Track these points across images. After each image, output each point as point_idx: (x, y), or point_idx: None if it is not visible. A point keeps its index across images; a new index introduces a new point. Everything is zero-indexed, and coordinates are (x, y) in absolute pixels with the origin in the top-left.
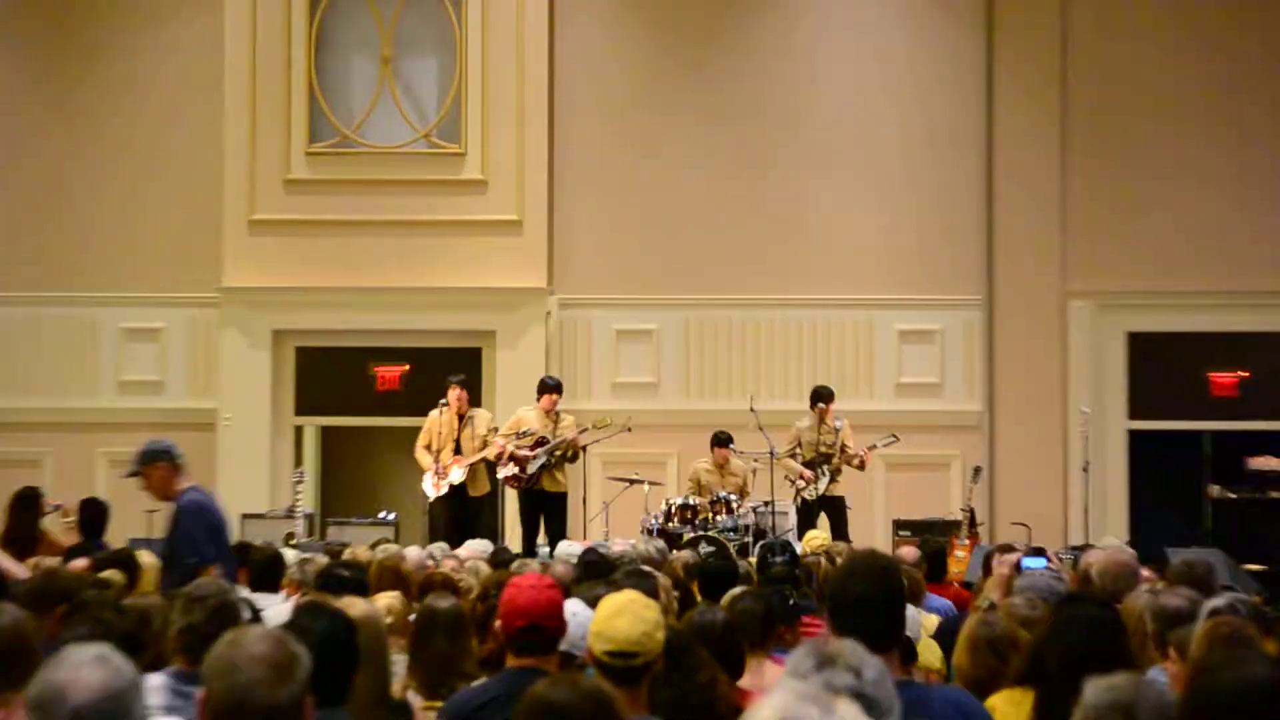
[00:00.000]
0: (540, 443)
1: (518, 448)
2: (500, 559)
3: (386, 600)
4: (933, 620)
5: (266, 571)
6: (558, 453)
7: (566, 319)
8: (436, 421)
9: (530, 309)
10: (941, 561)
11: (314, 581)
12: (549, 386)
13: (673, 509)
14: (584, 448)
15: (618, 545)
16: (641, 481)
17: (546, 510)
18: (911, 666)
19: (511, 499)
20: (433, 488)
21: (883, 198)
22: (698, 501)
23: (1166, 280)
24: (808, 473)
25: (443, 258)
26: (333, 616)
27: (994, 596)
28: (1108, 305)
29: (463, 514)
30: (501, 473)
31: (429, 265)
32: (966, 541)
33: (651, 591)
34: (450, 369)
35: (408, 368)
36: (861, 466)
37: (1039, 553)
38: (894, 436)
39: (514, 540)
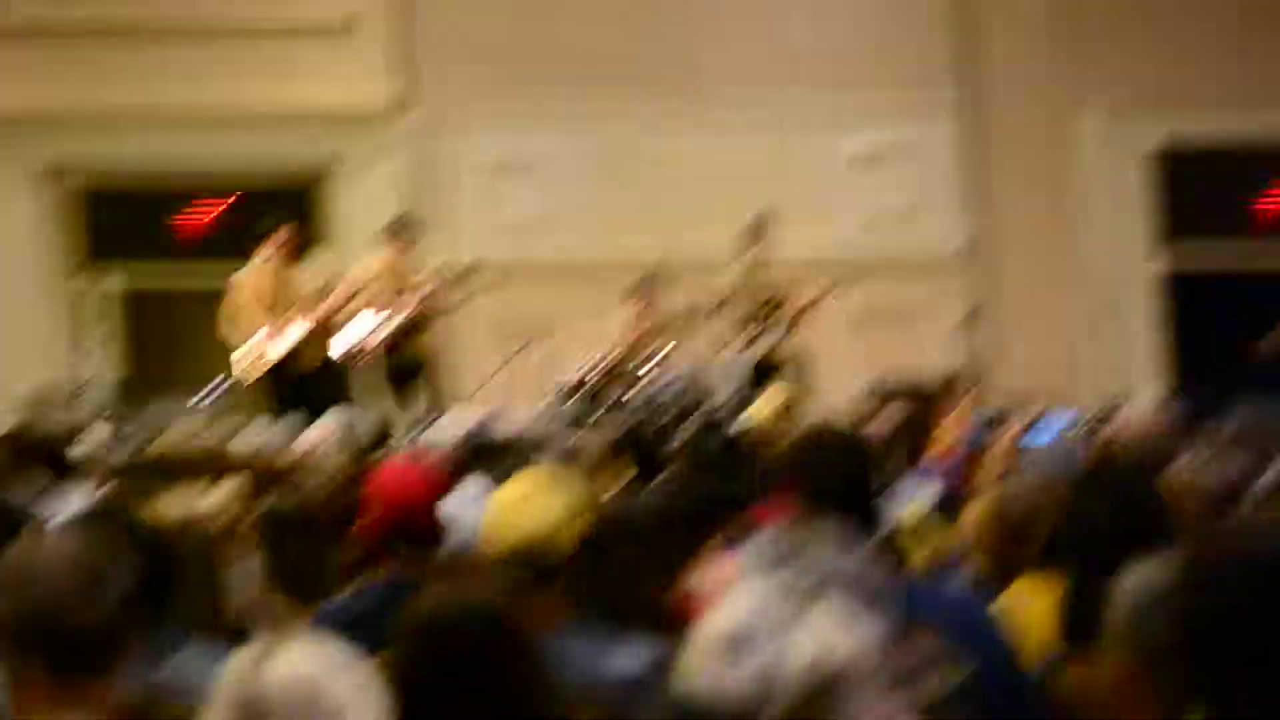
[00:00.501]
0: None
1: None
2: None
3: (221, 495)
4: (915, 507)
5: (55, 457)
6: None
7: (425, 151)
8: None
9: (372, 138)
10: (925, 432)
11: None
12: (395, 231)
13: (588, 376)
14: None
15: (520, 416)
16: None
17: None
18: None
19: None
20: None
21: None
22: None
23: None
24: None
25: (251, 69)
26: (144, 521)
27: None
28: (1127, 112)
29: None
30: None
31: (238, 78)
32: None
33: (569, 465)
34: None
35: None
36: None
37: (1041, 421)
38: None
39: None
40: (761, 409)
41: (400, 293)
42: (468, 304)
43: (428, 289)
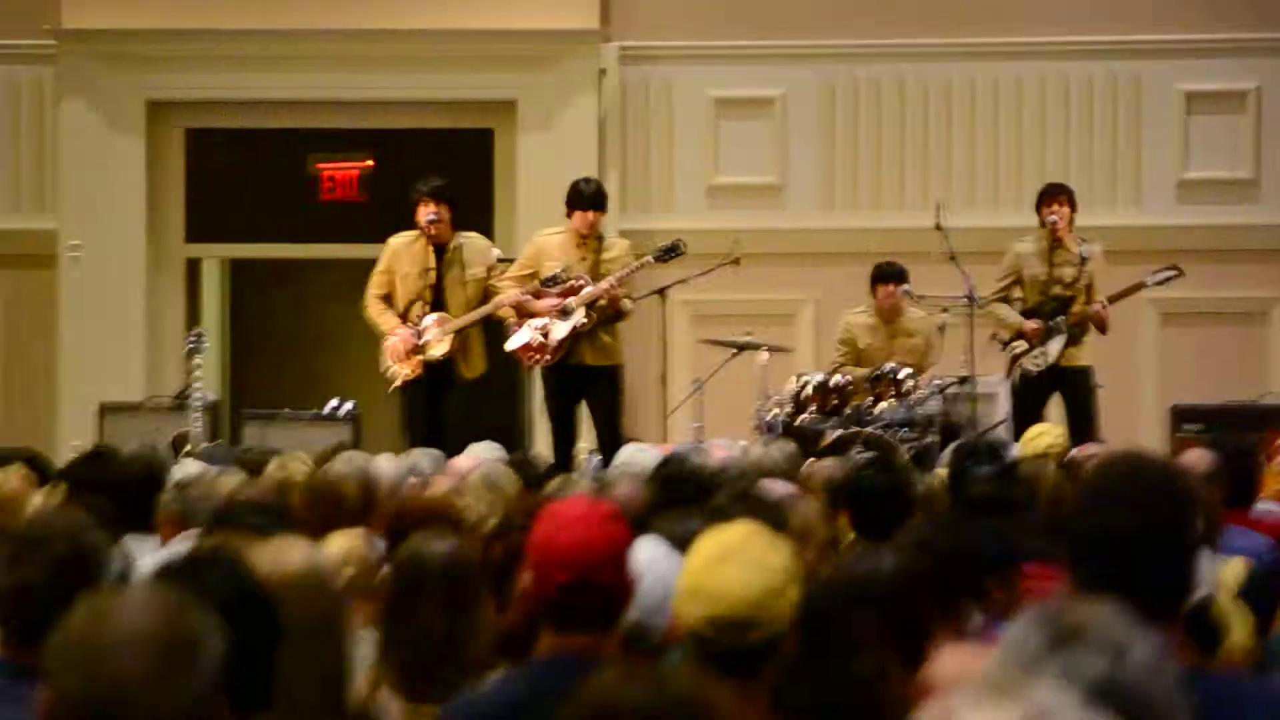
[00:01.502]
0: (574, 289)
1: (535, 298)
2: (526, 474)
3: (343, 544)
4: (1236, 568)
5: (140, 496)
6: (602, 304)
7: (632, 80)
8: (400, 256)
9: (571, 65)
10: (1251, 475)
11: (211, 515)
12: (585, 197)
13: (808, 391)
14: (657, 292)
15: (718, 450)
16: (757, 346)
17: (591, 396)
18: (1214, 652)
19: (535, 382)
20: (399, 365)
21: None
22: (849, 378)
23: None
24: (1032, 326)
25: None
26: (245, 575)
27: None
28: None
29: (454, 407)
30: (513, 341)
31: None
32: None
33: (777, 524)
34: (436, 167)
35: (370, 164)
36: (1101, 328)
37: None
38: (1174, 269)
39: (543, 445)
40: (1041, 438)
41: (578, 282)
42: (681, 291)
43: (628, 269)
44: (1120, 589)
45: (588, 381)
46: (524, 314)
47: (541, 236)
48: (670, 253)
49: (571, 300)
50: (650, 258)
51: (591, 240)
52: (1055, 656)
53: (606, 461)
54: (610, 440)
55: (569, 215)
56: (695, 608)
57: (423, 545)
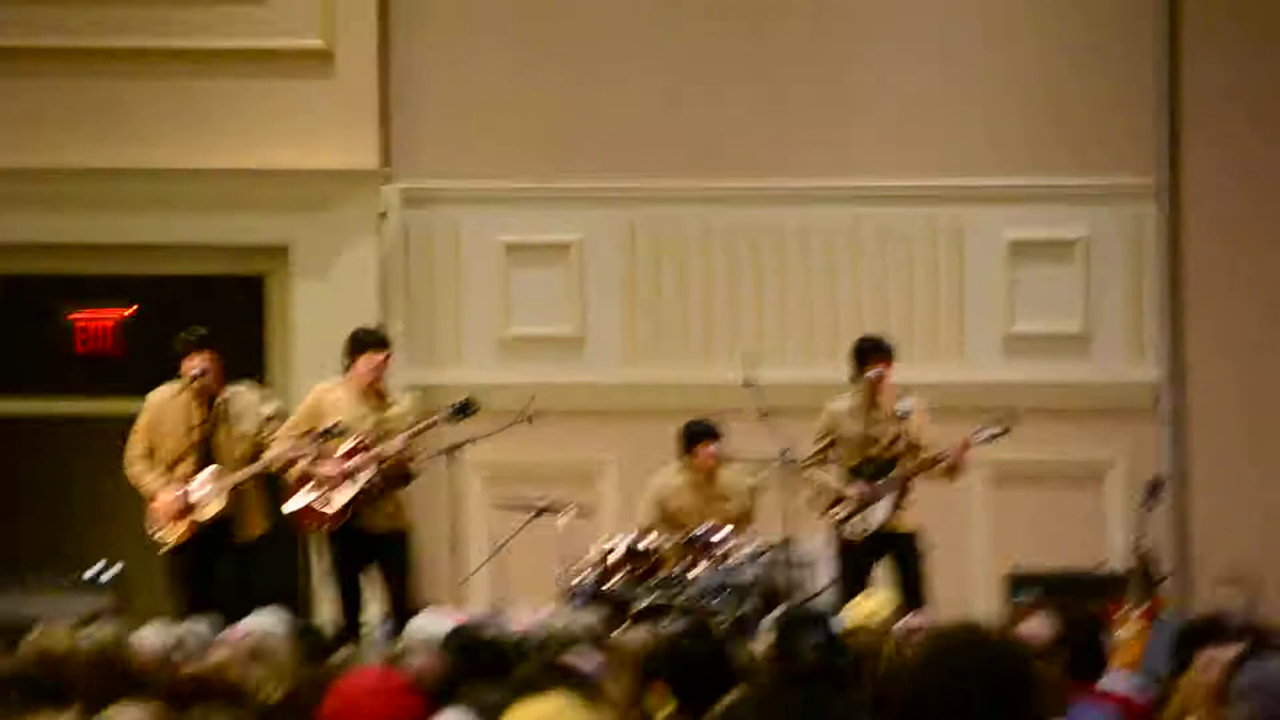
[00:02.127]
0: (358, 448)
1: (317, 455)
2: (311, 644)
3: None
4: None
5: None
6: (387, 466)
7: (416, 223)
8: (163, 411)
9: (350, 207)
10: (1095, 646)
11: None
12: (370, 338)
13: (615, 556)
14: (447, 452)
15: (521, 618)
16: (558, 510)
17: (381, 562)
18: None
19: (319, 543)
20: (166, 529)
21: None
22: (658, 543)
23: None
24: (852, 490)
25: (197, 118)
26: None
27: (1196, 713)
28: None
29: (228, 570)
30: (292, 503)
31: (173, 133)
32: (1138, 612)
33: (590, 696)
34: (205, 315)
35: (131, 311)
36: (951, 473)
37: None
38: (1001, 426)
39: (328, 611)
40: (869, 606)
41: (376, 433)
42: (479, 450)
43: (417, 427)
44: None
45: (376, 547)
46: (301, 477)
47: (322, 389)
48: (463, 411)
49: (356, 460)
50: (441, 417)
51: (373, 395)
52: None
53: (399, 629)
54: (401, 608)
55: (350, 364)
56: None
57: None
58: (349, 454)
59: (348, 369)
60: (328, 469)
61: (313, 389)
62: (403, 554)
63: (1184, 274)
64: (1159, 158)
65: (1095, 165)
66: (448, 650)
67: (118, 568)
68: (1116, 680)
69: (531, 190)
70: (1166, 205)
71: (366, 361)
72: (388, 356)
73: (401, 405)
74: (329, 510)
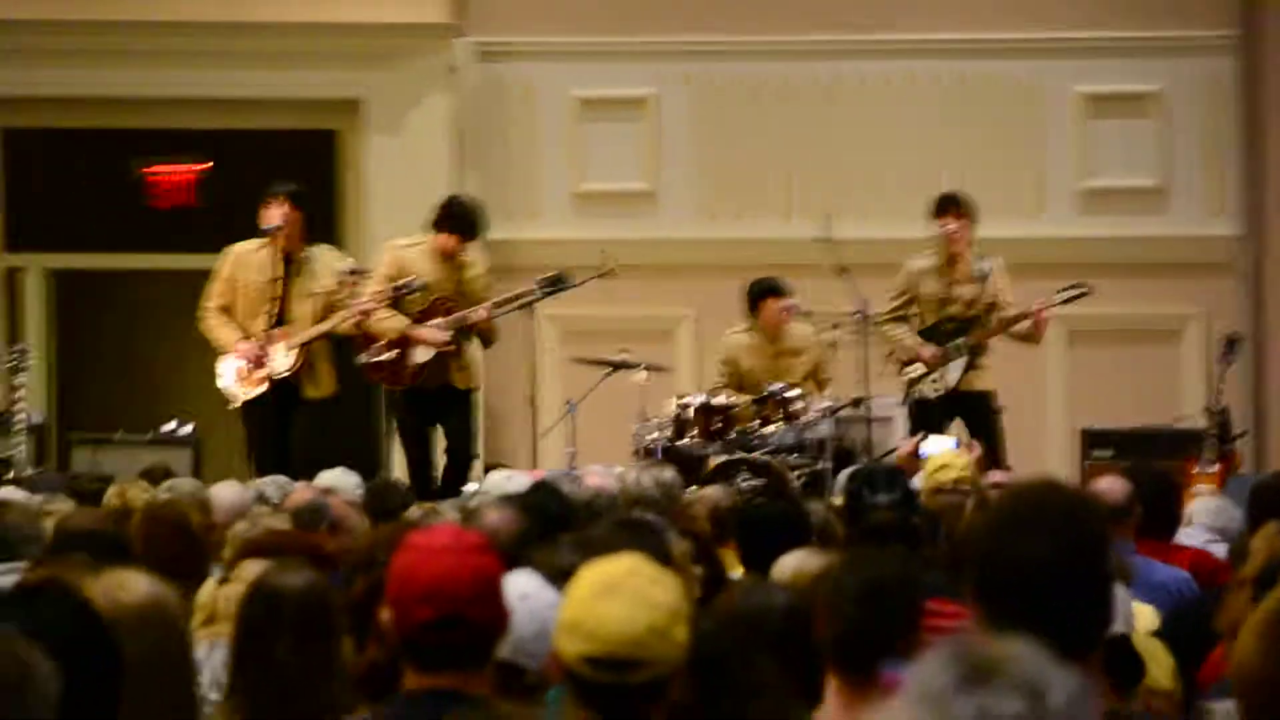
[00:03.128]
0: (435, 306)
1: (394, 311)
2: (384, 503)
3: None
4: (1147, 610)
5: None
6: (469, 325)
7: (489, 78)
8: (244, 263)
9: (422, 61)
10: (1170, 503)
11: (42, 545)
12: (468, 225)
13: (689, 413)
14: (524, 307)
15: (594, 477)
16: (633, 366)
17: (449, 418)
18: (1134, 690)
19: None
20: (240, 384)
21: None
22: (733, 400)
23: None
24: (929, 350)
25: None
26: (83, 606)
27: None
28: None
29: (300, 428)
30: (367, 356)
31: None
32: (1214, 468)
33: (660, 555)
34: (277, 170)
35: (206, 166)
36: (1033, 336)
37: None
38: (1081, 286)
39: (399, 468)
40: (947, 470)
41: (454, 294)
42: (550, 306)
43: (506, 298)
44: (1032, 625)
45: (443, 404)
46: (371, 331)
47: (399, 248)
48: (555, 285)
49: (440, 321)
50: (536, 290)
51: (453, 258)
52: (968, 698)
53: (460, 485)
54: (464, 464)
55: (437, 229)
56: (574, 645)
57: (276, 578)
58: (428, 313)
59: (436, 230)
60: (406, 326)
61: (387, 246)
62: (468, 411)
63: (1262, 128)
64: (1236, 9)
65: (1171, 17)
66: (523, 508)
67: (191, 426)
68: (1192, 536)
69: (604, 44)
70: (1244, 58)
71: (450, 240)
72: (462, 239)
73: (478, 266)
74: (405, 366)
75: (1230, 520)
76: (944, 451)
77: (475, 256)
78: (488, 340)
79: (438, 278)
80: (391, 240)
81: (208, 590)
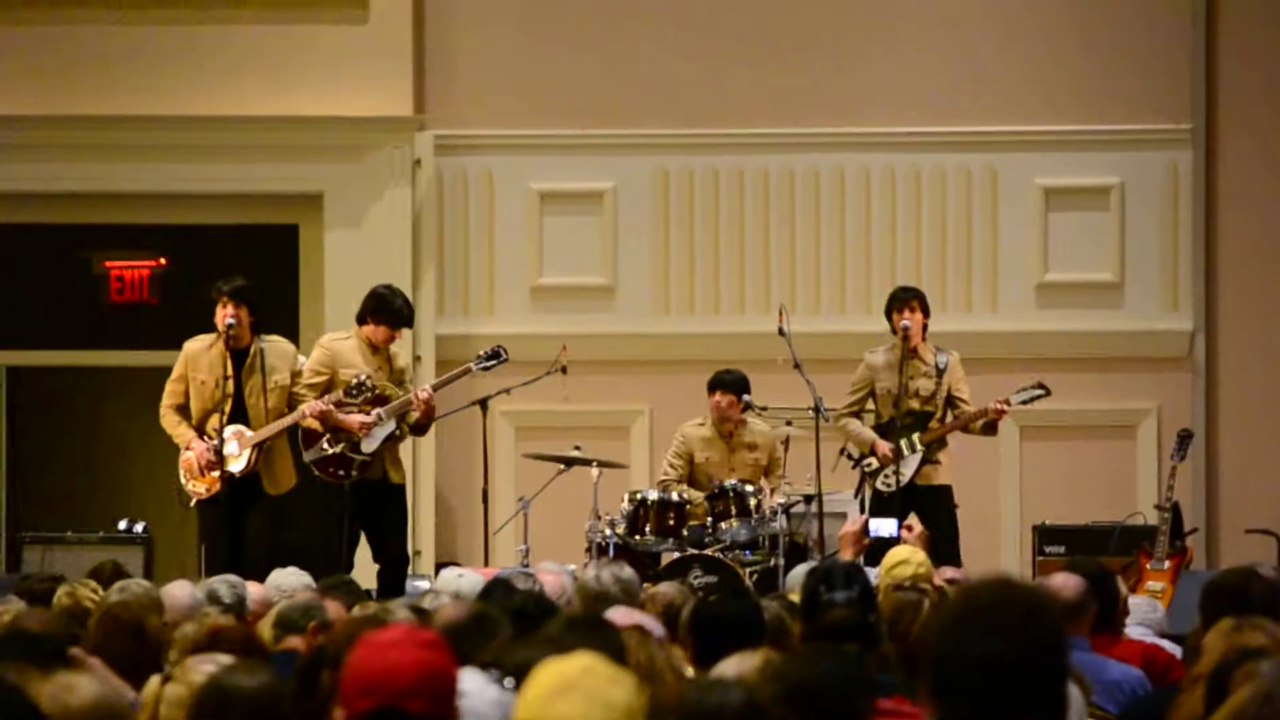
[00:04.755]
0: (376, 398)
1: (342, 406)
2: (348, 602)
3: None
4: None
5: None
6: (414, 415)
7: (449, 171)
8: (197, 361)
9: (383, 155)
10: (1115, 599)
11: None
12: (401, 316)
13: (643, 509)
14: (478, 403)
15: (547, 575)
16: (587, 461)
17: (387, 513)
18: None
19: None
20: (195, 481)
21: None
22: (687, 495)
23: None
24: (885, 445)
25: (227, 67)
26: (30, 709)
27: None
28: None
29: (256, 526)
30: (315, 454)
31: (204, 83)
32: (1166, 564)
33: (616, 654)
34: (238, 265)
35: (161, 262)
36: (990, 429)
37: None
38: (1040, 386)
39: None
40: (904, 566)
41: (375, 392)
42: (505, 401)
43: (445, 377)
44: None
45: (384, 498)
46: (329, 425)
47: (332, 341)
48: (492, 359)
49: (380, 411)
50: (472, 366)
51: (384, 347)
52: None
53: (399, 581)
54: (402, 559)
55: (368, 322)
56: None
57: (227, 678)
58: (368, 404)
59: (367, 323)
60: (355, 420)
61: (319, 342)
62: (404, 506)
63: (1219, 222)
64: (1195, 104)
65: (1131, 111)
66: (480, 604)
67: (143, 525)
68: (1141, 633)
69: (564, 138)
70: (1202, 152)
71: (384, 333)
72: (394, 331)
73: (404, 356)
74: (352, 459)
75: (1153, 611)
76: (901, 548)
77: (400, 349)
78: (426, 427)
79: (371, 370)
80: (328, 335)
81: (151, 690)
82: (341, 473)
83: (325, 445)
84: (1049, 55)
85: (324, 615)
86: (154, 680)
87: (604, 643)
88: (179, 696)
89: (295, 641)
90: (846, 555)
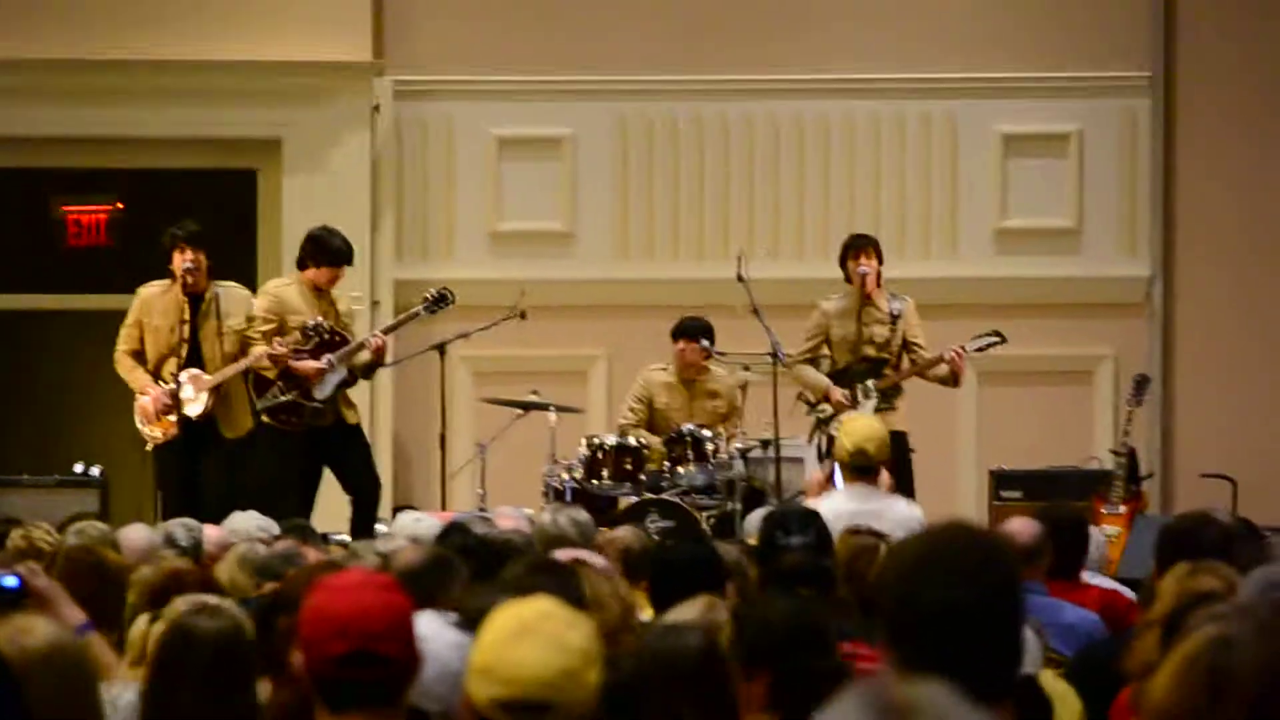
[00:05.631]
0: (329, 341)
1: (293, 350)
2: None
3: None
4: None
5: None
6: (365, 358)
7: (408, 116)
8: (151, 306)
9: (342, 100)
10: (1078, 543)
11: None
12: (341, 254)
13: (600, 453)
14: (436, 348)
15: (505, 519)
16: (544, 406)
17: (349, 455)
18: None
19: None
20: (152, 426)
21: None
22: (644, 440)
23: None
24: (839, 391)
25: (186, 11)
26: None
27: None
28: None
29: (213, 469)
30: (268, 401)
31: (162, 27)
32: (1122, 509)
33: (573, 597)
34: (195, 210)
35: (118, 206)
36: (953, 381)
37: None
38: (996, 335)
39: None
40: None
41: (333, 335)
42: (463, 346)
43: (396, 319)
44: (945, 667)
45: (341, 440)
46: (282, 370)
47: (277, 287)
48: (439, 303)
49: (332, 356)
50: (419, 309)
51: (328, 290)
52: None
53: (370, 524)
54: (373, 499)
55: (308, 266)
56: (487, 688)
57: (191, 620)
58: (319, 348)
59: (309, 267)
60: (309, 365)
61: (263, 289)
62: (366, 446)
63: (1176, 169)
64: (1154, 50)
65: (1090, 58)
66: (438, 549)
67: (99, 468)
68: (1098, 578)
69: (524, 84)
70: (1161, 99)
71: (330, 273)
72: (338, 270)
73: (346, 300)
74: (304, 405)
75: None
76: (859, 417)
77: (342, 293)
78: (374, 369)
79: (321, 311)
80: (273, 281)
81: (139, 629)
82: (295, 419)
83: (277, 392)
84: (1008, 2)
85: (304, 562)
86: (142, 619)
87: (563, 586)
88: None
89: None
90: (811, 497)
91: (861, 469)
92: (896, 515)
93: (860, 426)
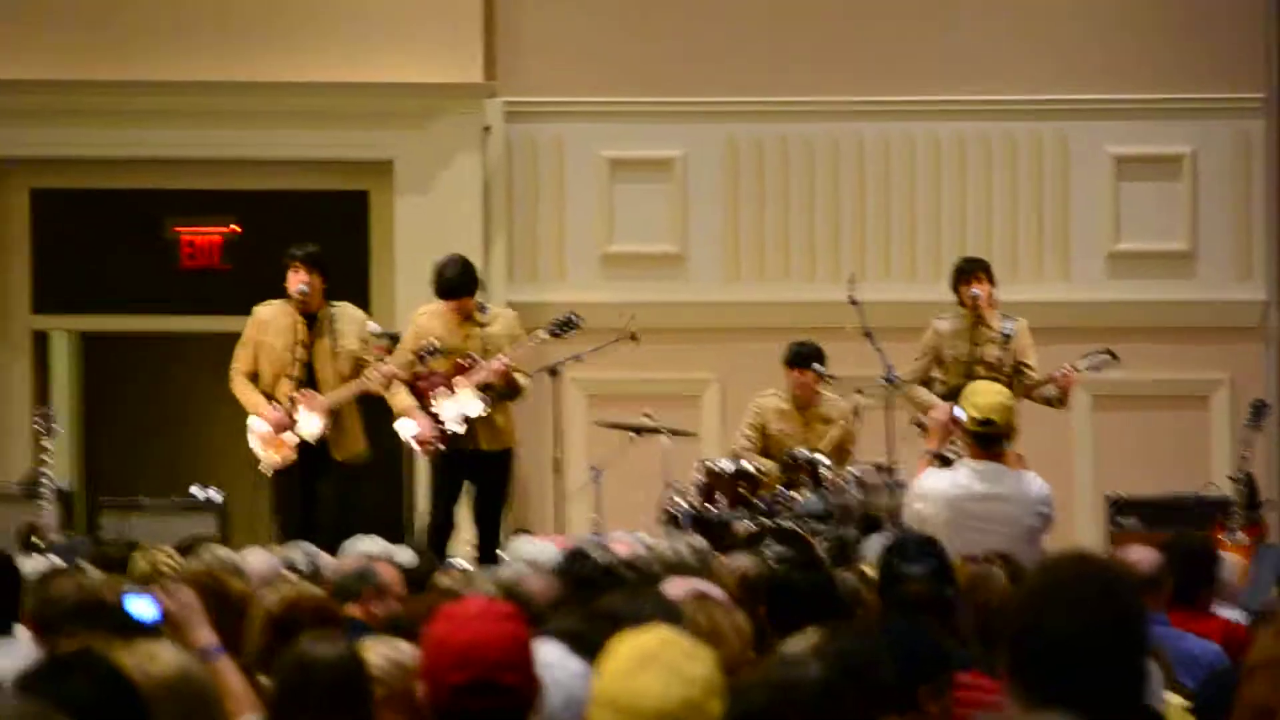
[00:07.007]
0: (461, 368)
1: (422, 376)
2: (417, 571)
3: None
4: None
5: None
6: (496, 385)
7: (519, 138)
8: (267, 327)
9: (453, 121)
10: (1205, 572)
11: (67, 613)
12: (452, 283)
13: (715, 478)
14: (549, 370)
15: (620, 544)
16: (656, 430)
17: (481, 483)
18: None
19: (420, 464)
20: (268, 449)
21: None
22: (760, 466)
23: None
24: (945, 409)
25: (299, 33)
26: (116, 678)
27: None
28: None
29: (328, 492)
30: (406, 427)
31: (274, 49)
32: (1242, 536)
33: (691, 628)
34: (308, 232)
35: (234, 228)
36: (1060, 401)
37: None
38: (1107, 353)
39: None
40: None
41: (477, 353)
42: (576, 369)
43: (518, 344)
44: (1067, 700)
45: (479, 467)
46: (417, 396)
47: (421, 316)
48: (565, 327)
49: (459, 379)
50: (543, 333)
51: (467, 318)
52: None
53: (487, 554)
54: (494, 528)
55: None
56: (609, 718)
57: (310, 649)
58: (453, 373)
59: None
60: (436, 386)
61: (412, 316)
62: (506, 475)
63: None
64: (1268, 71)
65: (1202, 79)
66: (559, 576)
67: (216, 490)
68: (1225, 608)
69: (634, 105)
70: (1275, 121)
71: (448, 305)
72: (469, 299)
73: (501, 320)
74: (436, 434)
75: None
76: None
77: (499, 311)
78: (514, 393)
79: (455, 339)
80: (417, 310)
81: None
82: (431, 446)
83: (416, 417)
84: (1121, 23)
85: (378, 580)
86: None
87: (662, 611)
88: None
89: (353, 609)
90: (932, 445)
91: (988, 439)
92: (1026, 497)
93: (986, 392)
